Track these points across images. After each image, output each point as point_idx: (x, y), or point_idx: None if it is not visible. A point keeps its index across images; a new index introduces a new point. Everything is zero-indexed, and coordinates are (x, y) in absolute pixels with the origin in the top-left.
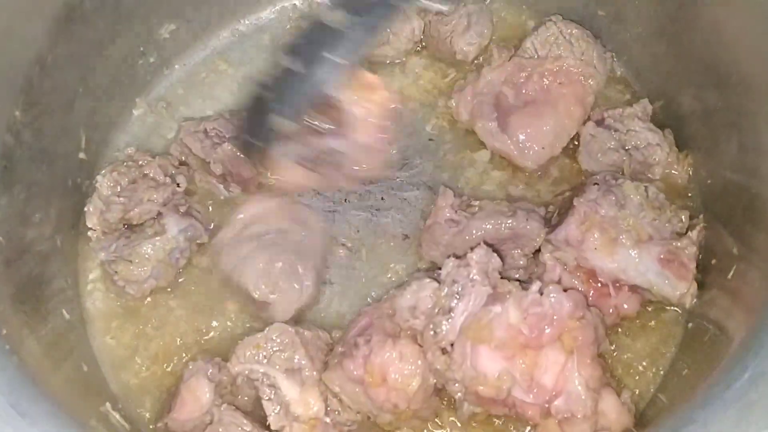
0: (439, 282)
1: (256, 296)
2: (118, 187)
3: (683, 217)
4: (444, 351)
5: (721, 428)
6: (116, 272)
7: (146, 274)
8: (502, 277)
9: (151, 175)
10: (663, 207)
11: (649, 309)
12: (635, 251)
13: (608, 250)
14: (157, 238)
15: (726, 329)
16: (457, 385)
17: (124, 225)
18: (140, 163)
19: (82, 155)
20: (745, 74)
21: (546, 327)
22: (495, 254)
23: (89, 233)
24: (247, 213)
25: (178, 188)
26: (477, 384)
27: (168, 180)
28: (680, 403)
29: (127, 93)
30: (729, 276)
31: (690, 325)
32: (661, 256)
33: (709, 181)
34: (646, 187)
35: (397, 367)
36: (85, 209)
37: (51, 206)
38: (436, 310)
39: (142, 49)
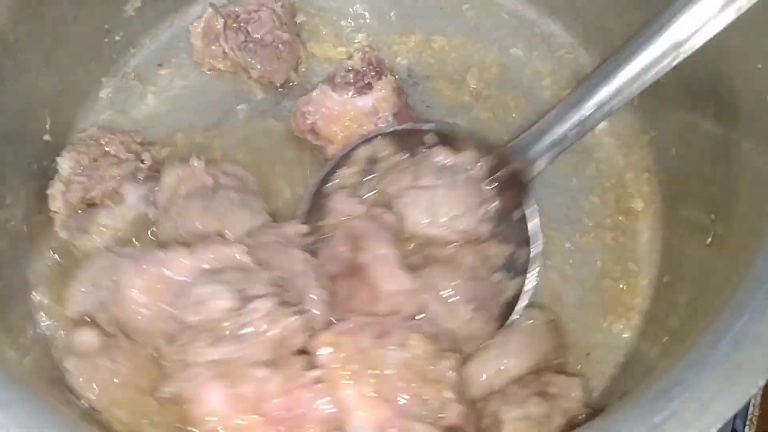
0: None
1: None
2: (80, 167)
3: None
4: None
5: (708, 389)
6: (74, 245)
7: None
8: None
9: (113, 152)
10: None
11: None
12: None
13: None
14: (115, 207)
15: (705, 294)
16: None
17: (87, 205)
18: (102, 141)
19: (47, 137)
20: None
21: None
22: None
23: (52, 215)
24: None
25: (142, 164)
26: None
27: (131, 156)
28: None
29: (93, 72)
30: (707, 242)
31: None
32: None
33: (680, 157)
34: None
35: None
36: (48, 192)
37: (20, 190)
38: None
39: (107, 26)
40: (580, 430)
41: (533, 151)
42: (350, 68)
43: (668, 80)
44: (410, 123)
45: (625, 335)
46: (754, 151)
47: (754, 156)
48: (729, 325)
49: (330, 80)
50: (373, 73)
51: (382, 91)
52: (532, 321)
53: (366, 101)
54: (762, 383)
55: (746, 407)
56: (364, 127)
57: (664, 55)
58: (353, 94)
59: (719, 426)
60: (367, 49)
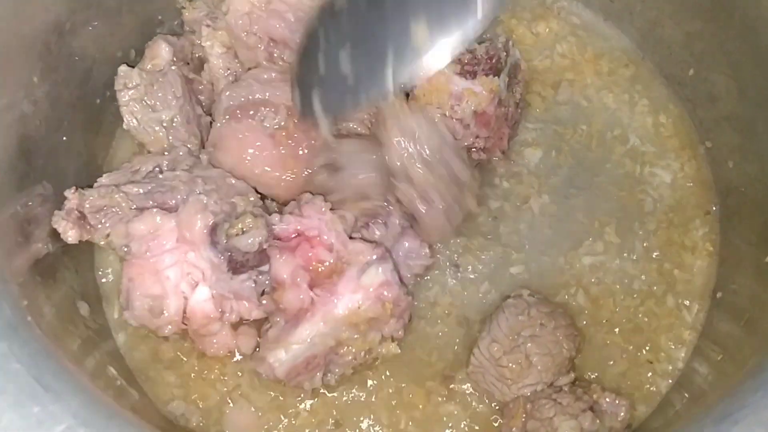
0: None
1: None
2: None
3: None
4: None
5: None
6: None
7: None
8: None
9: None
10: None
11: None
12: None
13: None
14: None
15: (764, 311)
16: None
17: None
18: None
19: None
20: None
21: None
22: None
23: None
24: None
25: None
26: None
27: None
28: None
29: None
30: (766, 258)
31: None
32: None
33: (738, 170)
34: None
35: None
36: None
37: (67, 177)
38: None
39: (160, 17)
40: None
41: None
42: (473, 50)
43: (725, 88)
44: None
45: (678, 353)
46: None
47: None
48: None
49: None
50: (487, 67)
51: (480, 87)
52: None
53: (459, 84)
54: None
55: None
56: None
57: None
58: (456, 72)
59: None
60: (500, 44)
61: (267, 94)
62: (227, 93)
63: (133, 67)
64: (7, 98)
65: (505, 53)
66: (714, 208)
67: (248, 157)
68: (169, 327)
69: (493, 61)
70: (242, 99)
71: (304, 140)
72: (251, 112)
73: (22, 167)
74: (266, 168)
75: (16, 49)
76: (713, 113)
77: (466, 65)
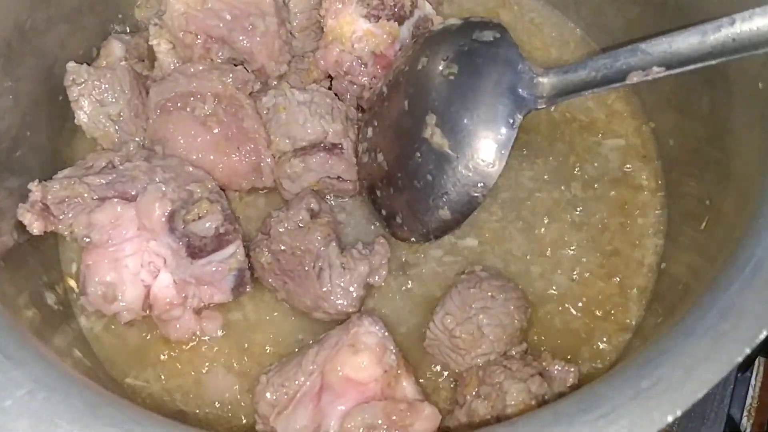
0: None
1: None
2: None
3: None
4: None
5: (693, 356)
6: None
7: None
8: None
9: None
10: None
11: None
12: None
13: None
14: None
15: (698, 272)
16: None
17: None
18: None
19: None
20: None
21: None
22: None
23: None
24: None
25: None
26: None
27: None
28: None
29: None
30: (702, 226)
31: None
32: None
33: (678, 147)
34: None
35: None
36: None
37: (32, 172)
38: None
39: (120, 15)
40: (571, 396)
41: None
42: None
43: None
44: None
45: (626, 320)
46: (746, 137)
47: (745, 141)
48: (715, 299)
49: None
50: (391, 14)
51: (380, 30)
52: (503, 296)
53: (362, 25)
54: (747, 351)
55: (744, 397)
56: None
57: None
58: (362, 14)
59: (704, 392)
60: None
61: (193, 85)
62: (154, 89)
63: (90, 65)
64: None
65: (411, 4)
66: (660, 193)
67: (184, 146)
68: (125, 313)
69: (397, 9)
70: (171, 93)
71: (233, 122)
72: (180, 104)
73: None
74: (201, 154)
75: None
76: (655, 95)
77: (373, 9)
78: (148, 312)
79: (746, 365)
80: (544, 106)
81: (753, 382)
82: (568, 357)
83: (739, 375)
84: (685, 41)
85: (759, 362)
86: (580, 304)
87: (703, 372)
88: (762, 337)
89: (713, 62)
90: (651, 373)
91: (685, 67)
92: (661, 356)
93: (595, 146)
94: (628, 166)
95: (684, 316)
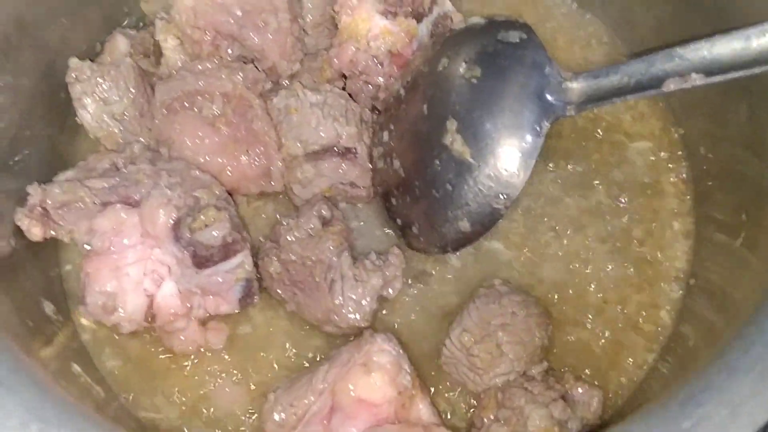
0: None
1: None
2: None
3: None
4: None
5: (740, 393)
6: None
7: None
8: None
9: None
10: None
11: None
12: None
13: None
14: None
15: (735, 297)
16: None
17: None
18: None
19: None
20: None
21: None
22: None
23: None
24: None
25: None
26: None
27: None
28: (686, 372)
29: None
30: (738, 243)
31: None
32: None
33: (710, 156)
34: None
35: None
36: None
37: (30, 173)
38: None
39: (126, 9)
40: None
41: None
42: None
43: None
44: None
45: (653, 337)
46: None
47: None
48: (762, 329)
49: None
50: (410, 10)
51: (397, 27)
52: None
53: (378, 22)
54: None
55: None
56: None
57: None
58: (379, 10)
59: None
60: None
61: (201, 83)
62: (160, 87)
63: (93, 60)
64: None
65: (430, 0)
66: (688, 196)
67: (190, 148)
68: (126, 324)
69: (416, 5)
70: (178, 92)
71: (242, 123)
72: (187, 104)
73: None
74: (208, 156)
75: None
76: (685, 100)
77: (390, 5)
78: (150, 322)
79: None
80: (573, 113)
81: None
82: (588, 374)
83: None
84: (727, 46)
85: None
86: (604, 319)
87: (750, 410)
88: None
89: (757, 70)
90: (694, 411)
91: (727, 74)
92: (703, 393)
93: (622, 148)
94: (654, 172)
95: (727, 348)
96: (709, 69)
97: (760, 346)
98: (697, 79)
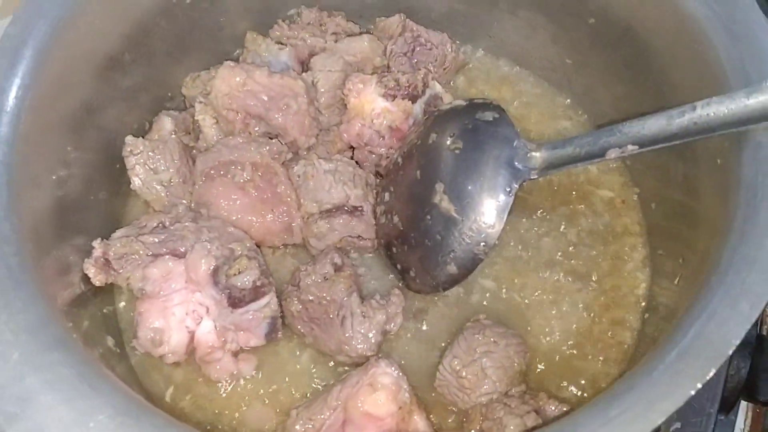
0: None
1: None
2: None
3: None
4: None
5: (654, 390)
6: None
7: None
8: None
9: None
10: None
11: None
12: None
13: None
14: None
15: (667, 323)
16: None
17: None
18: None
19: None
20: None
21: None
22: None
23: None
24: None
25: None
26: None
27: None
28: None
29: None
30: (675, 282)
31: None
32: None
33: (653, 206)
34: None
35: None
36: None
37: (92, 231)
38: None
39: (169, 94)
40: (553, 425)
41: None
42: (397, 78)
43: None
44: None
45: (615, 364)
46: (708, 205)
47: (707, 209)
48: (675, 343)
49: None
50: (406, 93)
51: (396, 108)
52: (504, 342)
53: (380, 103)
54: (699, 386)
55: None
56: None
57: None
58: (381, 94)
59: (663, 419)
60: (419, 78)
61: (234, 155)
62: (201, 158)
63: (144, 137)
64: (48, 164)
65: (423, 85)
66: (642, 244)
67: (225, 208)
68: (171, 356)
69: (411, 89)
70: (215, 162)
71: (268, 188)
72: (222, 172)
73: (59, 222)
74: (240, 215)
75: (54, 122)
76: (639, 165)
77: (390, 90)
78: (191, 354)
79: (728, 407)
80: (536, 176)
81: (742, 426)
82: (565, 394)
83: (720, 417)
84: (655, 124)
85: (747, 407)
86: (572, 348)
87: (662, 404)
88: (710, 375)
89: (678, 142)
90: (619, 404)
91: (654, 146)
92: (628, 391)
93: (589, 191)
94: (615, 222)
95: (649, 358)
96: (642, 141)
97: (673, 355)
98: (633, 150)
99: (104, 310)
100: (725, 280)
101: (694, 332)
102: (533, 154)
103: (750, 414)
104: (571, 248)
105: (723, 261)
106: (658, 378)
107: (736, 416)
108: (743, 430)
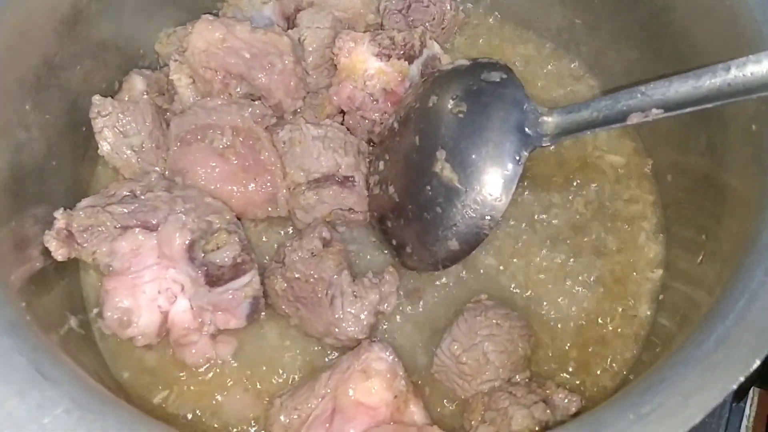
0: None
1: None
2: None
3: None
4: None
5: (690, 384)
6: None
7: None
8: None
9: None
10: None
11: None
12: None
13: None
14: None
15: (695, 304)
16: None
17: None
18: None
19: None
20: None
21: None
22: None
23: None
24: None
25: None
26: None
27: None
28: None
29: None
30: (698, 260)
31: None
32: None
33: (669, 178)
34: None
35: None
36: None
37: (56, 200)
38: None
39: (141, 51)
40: (574, 422)
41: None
42: (392, 36)
43: None
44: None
45: (626, 350)
46: (740, 175)
47: (740, 180)
48: (712, 329)
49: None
50: (401, 53)
51: (390, 68)
52: (508, 324)
53: (374, 64)
54: (741, 379)
55: (738, 427)
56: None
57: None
58: (374, 53)
59: (701, 417)
60: (416, 36)
61: (212, 118)
62: (175, 122)
63: (113, 97)
64: (4, 126)
65: (420, 44)
66: (656, 220)
67: (202, 177)
68: (141, 338)
69: (407, 48)
70: (191, 126)
71: (250, 154)
72: (199, 136)
73: (17, 190)
74: (219, 184)
75: (11, 81)
76: (654, 133)
77: (384, 48)
78: (164, 336)
79: (741, 395)
80: (548, 143)
81: (747, 412)
82: (569, 376)
83: (733, 405)
84: (683, 85)
85: (753, 392)
86: (581, 332)
87: (699, 399)
88: (755, 366)
89: (709, 105)
90: (651, 399)
91: (682, 110)
92: (660, 384)
93: (598, 161)
94: (626, 195)
95: (682, 345)
96: (667, 105)
97: (709, 344)
98: (657, 114)
99: (67, 287)
100: (766, 258)
101: (734, 317)
102: (545, 118)
103: (756, 400)
104: (578, 221)
105: (763, 238)
106: (694, 369)
107: (746, 404)
108: (749, 416)
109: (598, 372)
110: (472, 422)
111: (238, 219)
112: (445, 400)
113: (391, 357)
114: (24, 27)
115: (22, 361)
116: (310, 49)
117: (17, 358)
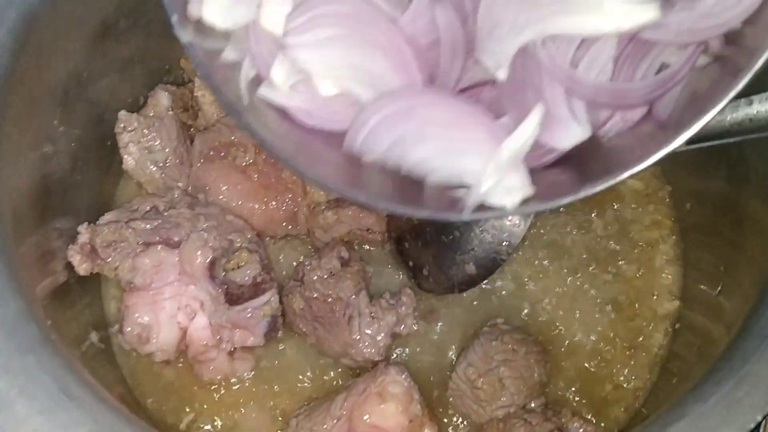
0: None
1: None
2: None
3: None
4: None
5: (711, 420)
6: None
7: None
8: None
9: None
10: None
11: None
12: None
13: None
14: None
15: (713, 338)
16: None
17: None
18: None
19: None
20: None
21: None
22: None
23: None
24: None
25: None
26: None
27: None
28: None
29: None
30: (716, 292)
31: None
32: None
33: (688, 206)
34: None
35: None
36: None
37: (80, 213)
38: None
39: (167, 67)
40: None
41: None
42: None
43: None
44: None
45: (641, 381)
46: (760, 209)
47: (760, 214)
48: (732, 367)
49: None
50: None
51: None
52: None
53: None
54: (759, 418)
55: None
56: None
57: None
58: None
59: None
60: None
61: (237, 135)
62: (200, 138)
63: (138, 112)
64: (32, 139)
65: None
66: (675, 247)
67: (225, 193)
68: (159, 354)
69: None
70: (215, 142)
71: (272, 172)
72: (222, 153)
73: (43, 202)
74: (240, 200)
75: (40, 95)
76: (673, 160)
77: None
78: (183, 352)
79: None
80: None
81: None
82: (584, 405)
83: None
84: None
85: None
86: (596, 358)
87: None
88: None
89: (731, 140)
90: None
91: (703, 143)
92: (680, 420)
93: (617, 185)
94: (645, 221)
95: (700, 381)
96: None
97: (729, 380)
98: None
99: (89, 303)
100: None
101: (755, 357)
102: None
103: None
104: (596, 246)
105: None
106: (714, 406)
107: None
108: None
109: (613, 401)
110: None
111: (258, 236)
112: (460, 426)
113: (407, 380)
114: (53, 40)
115: (46, 380)
116: None
117: (42, 376)
